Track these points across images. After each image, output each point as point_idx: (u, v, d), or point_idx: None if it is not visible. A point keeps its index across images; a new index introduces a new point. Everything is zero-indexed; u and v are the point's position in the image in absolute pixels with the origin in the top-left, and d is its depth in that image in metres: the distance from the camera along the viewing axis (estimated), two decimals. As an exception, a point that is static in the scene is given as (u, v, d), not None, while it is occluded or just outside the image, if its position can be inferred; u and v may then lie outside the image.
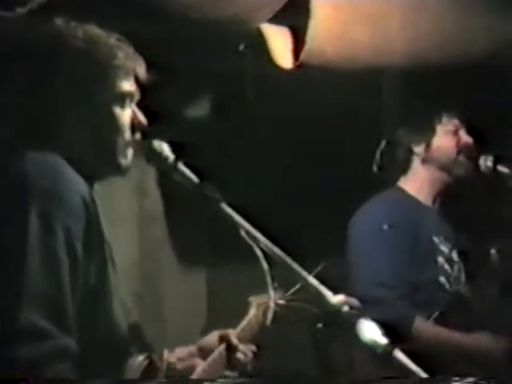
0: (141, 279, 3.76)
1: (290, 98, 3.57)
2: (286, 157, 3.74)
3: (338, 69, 3.31)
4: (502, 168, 3.09)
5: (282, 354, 3.34)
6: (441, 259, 3.12)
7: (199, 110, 3.91)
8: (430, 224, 3.16)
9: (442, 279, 3.10)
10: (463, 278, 3.17)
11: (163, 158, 1.93)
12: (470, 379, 1.85)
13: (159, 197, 3.87)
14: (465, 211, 3.33)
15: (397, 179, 3.24)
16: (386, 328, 1.60)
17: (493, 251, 3.21)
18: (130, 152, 1.92)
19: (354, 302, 1.66)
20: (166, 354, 2.08)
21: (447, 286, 3.10)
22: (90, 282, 1.76)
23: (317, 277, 1.73)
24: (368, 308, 1.77)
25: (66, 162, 1.79)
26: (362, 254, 3.11)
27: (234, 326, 2.32)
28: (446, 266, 3.12)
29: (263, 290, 2.38)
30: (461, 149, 3.17)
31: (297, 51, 3.22)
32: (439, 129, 3.20)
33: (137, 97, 1.95)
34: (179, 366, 2.13)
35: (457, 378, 1.86)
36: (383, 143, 3.26)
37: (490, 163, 3.11)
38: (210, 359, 2.15)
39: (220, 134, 3.76)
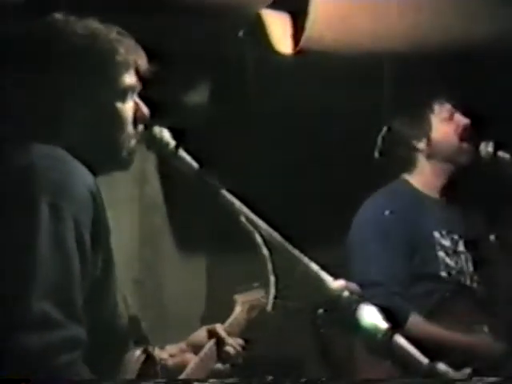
0: (141, 266, 3.77)
1: (289, 83, 3.56)
2: (285, 143, 3.73)
3: (338, 54, 3.31)
4: (502, 154, 3.08)
5: (282, 340, 3.35)
6: (441, 254, 3.10)
7: (199, 96, 3.91)
8: (432, 217, 3.14)
9: (443, 273, 3.09)
10: (471, 268, 3.15)
11: (164, 144, 1.92)
12: (492, 379, 1.85)
13: (159, 184, 3.88)
14: (470, 199, 3.32)
15: (399, 169, 3.23)
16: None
17: (492, 237, 3.21)
18: (132, 145, 1.92)
19: (355, 287, 1.66)
20: (157, 350, 2.10)
21: (448, 279, 3.09)
22: (96, 272, 1.77)
23: (317, 262, 1.73)
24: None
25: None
26: (358, 244, 3.12)
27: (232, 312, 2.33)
28: (448, 260, 3.11)
29: (263, 276, 2.39)
30: (461, 134, 3.16)
31: (296, 37, 3.21)
32: (434, 119, 3.17)
33: (138, 88, 1.95)
34: (171, 362, 2.14)
35: (477, 378, 1.86)
36: (384, 129, 3.25)
37: (490, 149, 3.10)
38: (201, 354, 2.16)
39: (220, 120, 3.75)
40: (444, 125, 3.17)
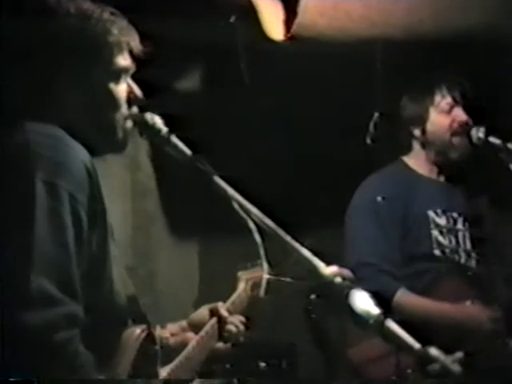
0: (134, 252, 3.77)
1: (282, 70, 3.56)
2: (278, 129, 3.73)
3: (331, 41, 3.30)
4: (493, 139, 3.08)
5: (275, 325, 3.36)
6: (435, 232, 3.12)
7: (191, 82, 3.90)
8: (427, 197, 3.16)
9: (437, 252, 3.10)
10: (469, 245, 3.17)
11: (156, 130, 1.92)
12: None
13: (152, 170, 3.87)
14: (470, 178, 3.31)
15: (394, 152, 3.25)
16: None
17: (492, 215, 3.23)
18: (128, 126, 1.92)
19: (347, 272, 1.66)
20: (158, 329, 2.10)
21: (442, 257, 3.10)
22: (92, 249, 1.78)
23: (309, 249, 1.74)
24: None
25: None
26: (351, 227, 3.14)
27: (226, 298, 2.34)
28: (441, 239, 3.12)
29: (256, 262, 2.39)
30: (455, 129, 3.15)
31: (289, 23, 3.20)
32: (432, 110, 3.18)
33: (132, 70, 1.95)
34: (172, 341, 2.15)
35: None
36: (376, 115, 3.26)
37: (481, 135, 3.10)
38: (202, 333, 2.17)
39: (212, 107, 3.74)
40: (441, 117, 3.18)
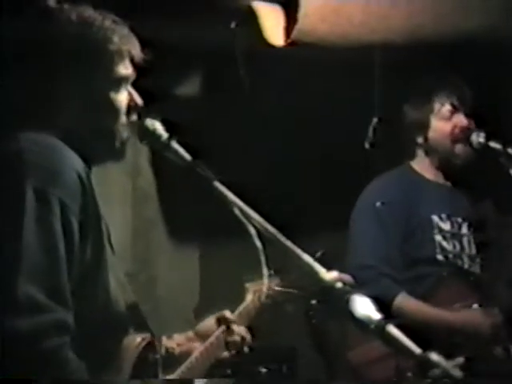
0: (134, 258, 3.77)
1: (282, 75, 3.56)
2: (278, 134, 3.73)
3: (331, 46, 3.30)
4: (494, 144, 3.08)
5: (276, 330, 3.35)
6: (438, 237, 3.12)
7: (191, 88, 3.90)
8: (432, 201, 3.16)
9: (440, 257, 3.10)
10: (473, 250, 3.17)
11: (156, 136, 1.92)
12: None
13: (152, 176, 3.87)
14: (476, 183, 3.32)
15: (393, 159, 3.25)
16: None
17: (497, 220, 3.23)
18: (125, 135, 1.93)
19: (348, 278, 1.67)
20: (164, 340, 2.10)
21: (445, 262, 3.10)
22: (85, 257, 1.77)
23: (310, 254, 1.74)
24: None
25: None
26: (354, 230, 3.14)
27: (226, 304, 2.33)
28: (445, 244, 3.12)
29: (256, 268, 2.39)
30: (457, 135, 3.16)
31: (289, 29, 3.21)
32: (433, 118, 3.18)
33: (132, 78, 1.95)
34: (177, 351, 2.15)
35: None
36: (375, 120, 3.26)
37: (482, 139, 3.10)
38: (207, 342, 2.17)
39: (213, 112, 3.75)
40: (442, 124, 3.18)
